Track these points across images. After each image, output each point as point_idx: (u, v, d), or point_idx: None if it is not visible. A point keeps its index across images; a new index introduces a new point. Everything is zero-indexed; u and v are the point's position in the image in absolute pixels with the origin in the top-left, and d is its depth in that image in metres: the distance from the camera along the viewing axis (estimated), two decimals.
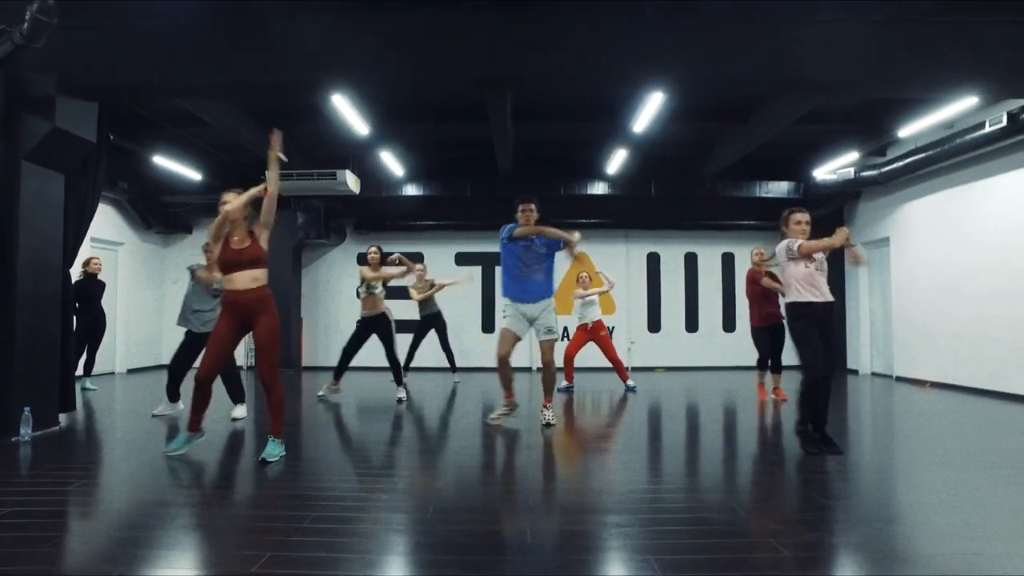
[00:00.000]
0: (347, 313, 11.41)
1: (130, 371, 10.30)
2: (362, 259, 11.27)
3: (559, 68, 5.21)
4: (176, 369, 5.72)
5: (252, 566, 2.40)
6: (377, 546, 2.68)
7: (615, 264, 10.78)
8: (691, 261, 11.56)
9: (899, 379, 9.29)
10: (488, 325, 11.40)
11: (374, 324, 7.04)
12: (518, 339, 5.32)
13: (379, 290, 7.00)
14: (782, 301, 5.01)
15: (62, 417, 5.35)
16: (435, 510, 3.11)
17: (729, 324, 11.47)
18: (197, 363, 5.52)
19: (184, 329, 5.65)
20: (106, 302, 8.27)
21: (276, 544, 2.66)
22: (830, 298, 4.29)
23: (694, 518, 3.01)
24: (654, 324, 11.36)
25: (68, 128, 4.82)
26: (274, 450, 4.02)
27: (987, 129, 6.76)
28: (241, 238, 4.03)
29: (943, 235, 8.39)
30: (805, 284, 4.25)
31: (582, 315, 7.87)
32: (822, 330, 4.23)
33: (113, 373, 9.99)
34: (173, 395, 5.79)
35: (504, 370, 5.35)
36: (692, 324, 11.52)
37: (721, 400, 7.53)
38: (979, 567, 2.40)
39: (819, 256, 4.32)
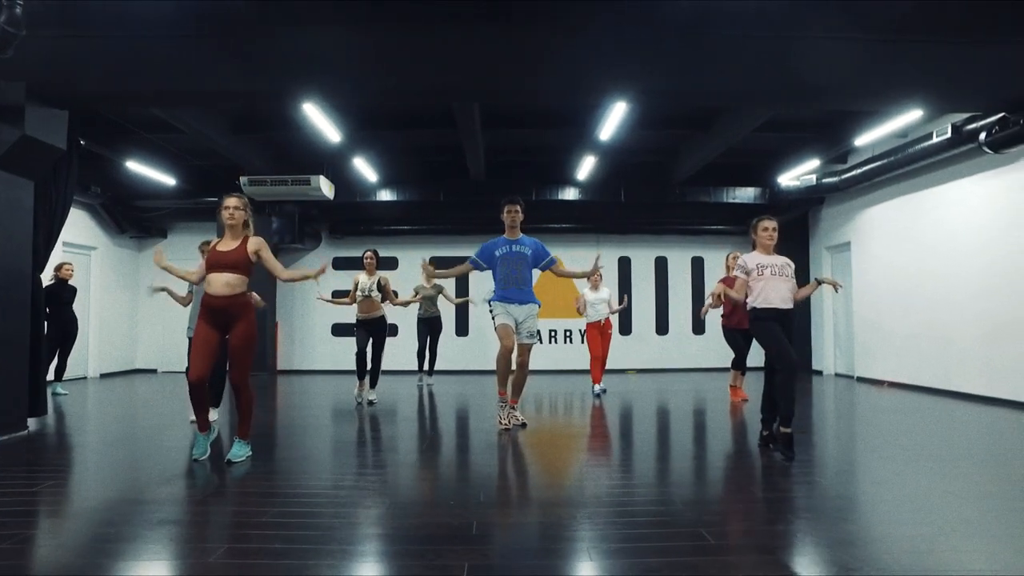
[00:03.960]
0: (322, 317, 11.51)
1: (103, 376, 10.29)
2: (342, 263, 11.40)
3: (527, 80, 5.39)
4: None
5: (209, 557, 2.54)
6: (332, 538, 2.82)
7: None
8: (661, 265, 11.83)
9: (860, 379, 9.61)
10: (462, 328, 11.55)
11: (373, 326, 7.04)
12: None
13: (376, 294, 7.00)
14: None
15: (32, 421, 5.42)
16: (393, 504, 3.27)
17: (698, 327, 11.74)
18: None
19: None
20: (79, 306, 8.29)
21: (236, 537, 2.80)
22: (784, 306, 4.39)
23: (632, 511, 3.20)
24: (625, 327, 11.59)
25: (37, 136, 4.89)
26: (240, 451, 4.14)
27: (934, 140, 7.08)
28: (229, 241, 4.12)
29: (898, 240, 8.73)
30: (758, 293, 4.44)
31: (596, 313, 7.93)
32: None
33: (86, 378, 9.98)
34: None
35: (506, 364, 5.35)
36: (663, 327, 11.77)
37: (692, 401, 7.76)
38: (921, 549, 2.63)
39: (772, 263, 4.47)
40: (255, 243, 4.13)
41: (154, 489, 3.58)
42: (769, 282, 4.40)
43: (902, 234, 8.65)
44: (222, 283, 4.00)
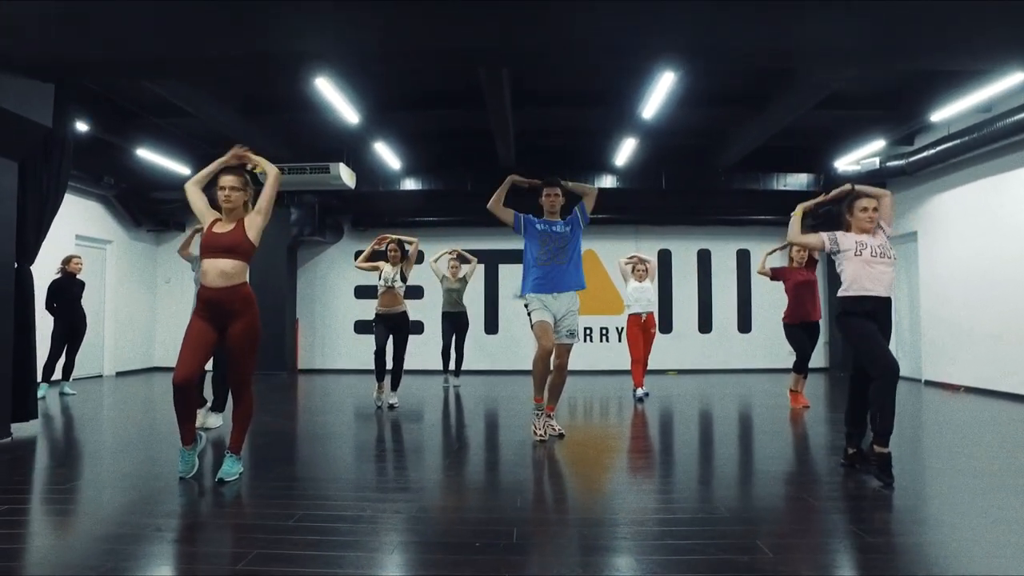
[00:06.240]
0: (345, 313, 11.00)
1: (119, 374, 9.92)
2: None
3: (559, 35, 4.67)
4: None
5: None
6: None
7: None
8: (704, 258, 11.01)
9: (928, 383, 8.69)
10: (491, 326, 10.92)
11: (393, 322, 6.41)
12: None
13: (399, 285, 6.39)
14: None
15: (35, 425, 4.94)
16: (401, 544, 2.62)
17: (745, 325, 10.91)
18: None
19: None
20: (94, 302, 7.88)
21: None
22: (884, 293, 3.67)
23: (698, 560, 2.50)
24: (666, 324, 10.79)
25: (15, 110, 4.38)
26: (232, 468, 3.55)
27: None
28: (226, 223, 3.53)
29: (978, 228, 7.78)
30: (852, 278, 3.71)
31: (637, 302, 6.99)
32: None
33: (101, 376, 9.62)
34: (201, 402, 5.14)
35: (544, 366, 4.69)
36: (706, 324, 10.96)
37: (746, 407, 6.99)
38: None
39: (870, 242, 3.74)
40: (251, 218, 3.55)
41: (127, 518, 3.01)
42: (868, 265, 3.65)
43: (982, 221, 7.71)
44: (217, 272, 3.41)
